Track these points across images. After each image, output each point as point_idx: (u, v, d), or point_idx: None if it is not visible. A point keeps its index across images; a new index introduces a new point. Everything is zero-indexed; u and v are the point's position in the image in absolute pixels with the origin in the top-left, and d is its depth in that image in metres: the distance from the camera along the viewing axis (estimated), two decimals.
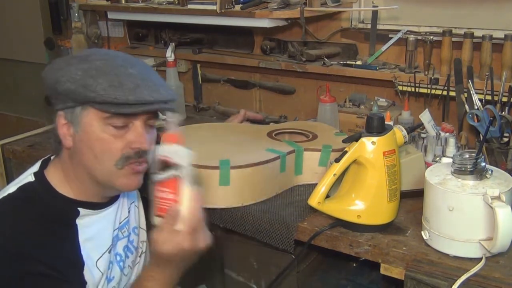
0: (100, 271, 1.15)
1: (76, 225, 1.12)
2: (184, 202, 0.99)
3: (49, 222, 1.09)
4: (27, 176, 1.14)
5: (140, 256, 1.32)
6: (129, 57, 1.13)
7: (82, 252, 1.11)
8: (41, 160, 1.19)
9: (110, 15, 2.21)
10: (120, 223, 1.24)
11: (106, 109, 1.05)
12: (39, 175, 1.14)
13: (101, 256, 1.16)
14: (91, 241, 1.14)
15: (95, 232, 1.15)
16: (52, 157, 1.19)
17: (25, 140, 1.97)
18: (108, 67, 1.05)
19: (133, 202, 1.31)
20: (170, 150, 1.02)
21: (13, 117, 2.96)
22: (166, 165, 1.01)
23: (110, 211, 1.20)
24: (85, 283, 1.10)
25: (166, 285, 1.06)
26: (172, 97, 1.11)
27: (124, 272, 1.25)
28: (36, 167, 1.17)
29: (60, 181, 1.14)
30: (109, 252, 1.18)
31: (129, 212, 1.28)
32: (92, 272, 1.12)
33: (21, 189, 1.12)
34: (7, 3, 2.75)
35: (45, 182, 1.13)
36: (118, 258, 1.23)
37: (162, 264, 1.05)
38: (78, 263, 1.10)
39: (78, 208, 1.13)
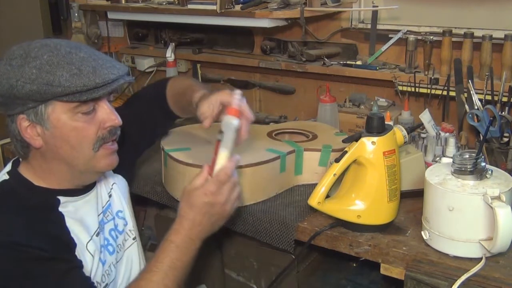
0: (91, 254, 1.15)
1: (61, 212, 1.13)
2: (219, 160, 1.14)
3: (33, 211, 1.09)
4: (1, 176, 1.14)
5: (134, 239, 1.33)
6: (68, 42, 1.12)
7: (72, 234, 1.12)
8: (11, 161, 1.19)
9: (110, 15, 2.21)
10: (102, 207, 1.25)
11: (76, 99, 1.04)
12: (13, 173, 1.15)
13: (90, 239, 1.16)
14: (78, 226, 1.14)
15: (80, 217, 1.16)
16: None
17: None
18: (58, 58, 1.04)
19: (113, 183, 1.31)
20: (224, 120, 1.18)
21: None
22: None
23: (90, 196, 1.21)
24: (81, 262, 1.11)
25: (186, 250, 1.09)
26: (126, 68, 1.13)
27: (115, 256, 1.25)
28: (8, 167, 1.17)
29: (33, 176, 1.14)
30: (97, 235, 1.19)
31: (110, 196, 1.29)
32: (83, 255, 1.13)
33: None
34: (7, 3, 2.75)
35: (21, 178, 1.14)
36: (106, 242, 1.23)
37: (185, 221, 1.10)
38: (70, 243, 1.11)
39: (58, 197, 1.14)
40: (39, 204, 1.11)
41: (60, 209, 1.13)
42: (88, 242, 1.15)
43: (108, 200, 1.28)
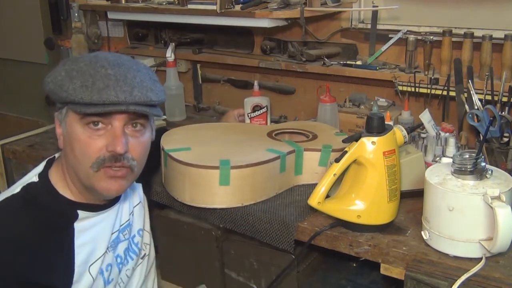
0: (91, 276, 1.13)
1: (73, 229, 1.11)
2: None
3: (46, 228, 1.08)
4: (32, 177, 1.14)
5: (142, 258, 1.32)
6: (119, 59, 1.09)
7: (76, 259, 1.10)
8: (46, 160, 1.19)
9: (110, 15, 2.21)
10: (121, 225, 1.23)
11: (75, 109, 1.05)
12: (42, 176, 1.14)
13: (95, 261, 1.14)
14: (86, 246, 1.13)
15: (91, 237, 1.14)
16: (56, 155, 1.19)
17: (25, 140, 1.98)
18: (88, 68, 1.04)
19: (139, 203, 1.31)
20: (258, 100, 1.79)
21: (13, 117, 2.96)
22: (256, 108, 1.78)
23: (109, 213, 1.19)
24: None
25: None
26: (147, 99, 1.05)
27: (126, 273, 1.24)
28: (41, 167, 1.17)
29: (61, 182, 1.14)
30: (104, 256, 1.17)
31: (132, 215, 1.27)
32: (82, 279, 1.11)
33: (25, 189, 1.11)
34: (7, 3, 2.75)
35: (48, 184, 1.13)
36: (119, 260, 1.22)
37: None
38: (68, 272, 1.09)
39: (78, 211, 1.12)
40: (55, 219, 1.10)
41: (75, 224, 1.11)
42: (91, 265, 1.13)
43: (128, 219, 1.26)
